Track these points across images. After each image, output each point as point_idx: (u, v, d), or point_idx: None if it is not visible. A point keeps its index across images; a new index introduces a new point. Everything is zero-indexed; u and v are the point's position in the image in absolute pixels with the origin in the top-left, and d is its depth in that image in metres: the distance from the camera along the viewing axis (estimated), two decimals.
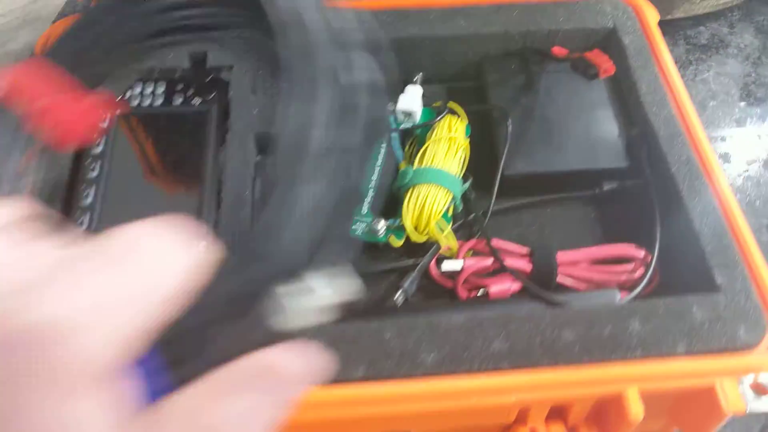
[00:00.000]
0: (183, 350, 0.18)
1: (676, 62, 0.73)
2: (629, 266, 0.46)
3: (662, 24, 0.74)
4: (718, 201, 0.46)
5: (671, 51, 0.74)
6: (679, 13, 0.73)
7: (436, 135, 0.51)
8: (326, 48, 0.22)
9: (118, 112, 0.50)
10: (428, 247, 0.48)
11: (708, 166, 0.47)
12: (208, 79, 0.50)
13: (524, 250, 0.47)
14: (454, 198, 0.49)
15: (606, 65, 0.50)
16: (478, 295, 0.46)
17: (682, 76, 0.72)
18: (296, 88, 0.21)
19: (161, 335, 0.17)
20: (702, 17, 0.75)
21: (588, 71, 0.51)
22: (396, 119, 0.55)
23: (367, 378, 0.39)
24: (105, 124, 0.49)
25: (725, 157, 0.65)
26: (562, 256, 0.47)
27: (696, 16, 0.75)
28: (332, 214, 0.20)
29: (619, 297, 0.44)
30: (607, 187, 0.50)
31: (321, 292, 0.19)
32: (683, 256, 0.46)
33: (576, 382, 0.39)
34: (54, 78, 0.28)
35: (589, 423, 0.42)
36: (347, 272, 0.20)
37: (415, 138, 0.54)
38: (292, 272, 0.19)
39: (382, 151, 0.54)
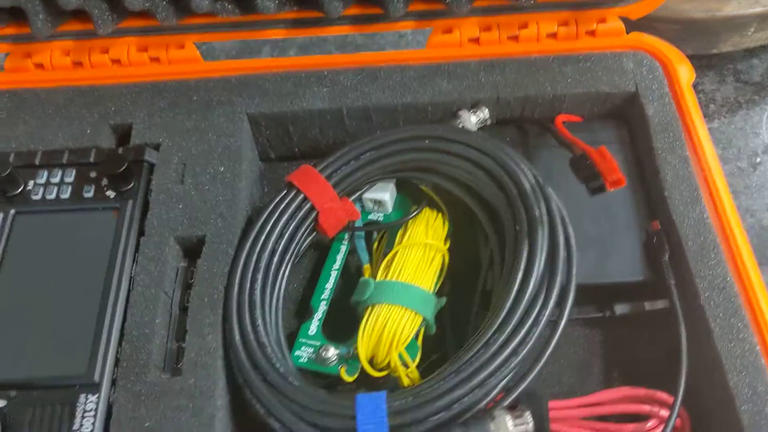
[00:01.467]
0: None
1: (722, 105, 0.61)
2: (644, 425, 0.36)
3: (707, 57, 0.62)
4: (764, 349, 0.35)
5: (717, 90, 0.62)
6: (726, 47, 0.60)
7: (408, 238, 0.41)
8: None
9: (12, 211, 0.41)
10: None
11: (753, 297, 0.36)
12: (121, 169, 0.41)
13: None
14: (424, 320, 0.39)
15: (614, 176, 0.38)
16: None
17: (730, 124, 0.60)
18: None
19: None
20: (756, 49, 0.63)
21: (590, 182, 0.39)
22: (363, 209, 0.45)
23: None
24: None
25: None
26: (556, 407, 0.36)
27: (748, 48, 0.62)
28: None
29: None
30: (619, 311, 0.39)
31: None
32: (714, 423, 0.35)
33: None
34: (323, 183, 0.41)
35: None
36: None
37: (385, 234, 0.44)
38: None
39: (343, 249, 0.44)
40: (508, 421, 0.34)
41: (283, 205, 0.41)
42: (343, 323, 0.41)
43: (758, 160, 0.57)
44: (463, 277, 0.42)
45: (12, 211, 0.41)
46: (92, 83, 0.46)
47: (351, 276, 0.43)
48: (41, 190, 0.42)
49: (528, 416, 0.34)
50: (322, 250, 0.45)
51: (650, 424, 0.36)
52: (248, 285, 0.39)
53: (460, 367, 0.35)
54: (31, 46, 0.47)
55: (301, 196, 0.41)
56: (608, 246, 0.40)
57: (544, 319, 0.36)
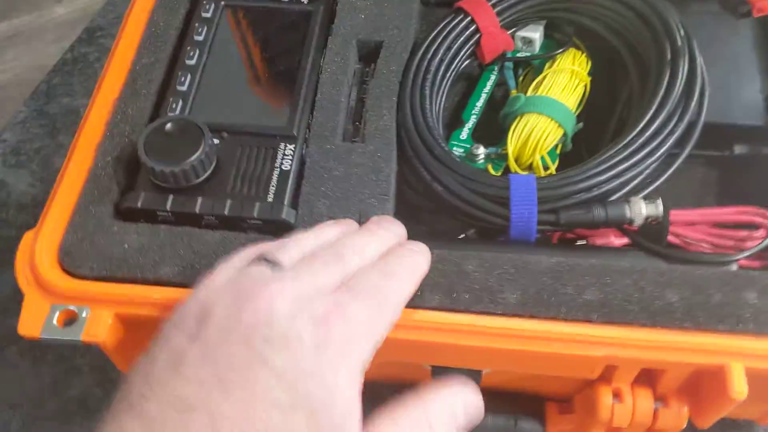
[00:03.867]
0: None
1: None
2: (754, 233, 0.41)
3: None
4: None
5: None
6: None
7: (557, 65, 0.47)
8: None
9: (223, 2, 0.48)
10: None
11: None
12: None
13: None
14: (565, 135, 0.45)
15: (761, 3, 0.43)
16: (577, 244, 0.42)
17: None
18: None
19: None
20: None
21: (738, 8, 0.44)
22: (514, 46, 0.50)
23: (441, 308, 0.37)
24: (209, 15, 0.47)
25: None
26: (676, 214, 0.42)
27: None
28: None
29: (737, 265, 0.39)
30: (738, 150, 0.45)
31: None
32: None
33: (674, 346, 0.35)
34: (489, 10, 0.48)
35: (681, 394, 0.38)
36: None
37: (530, 68, 0.50)
38: None
39: (493, 78, 0.50)
40: (642, 204, 0.40)
41: (451, 25, 0.47)
42: (489, 135, 0.47)
43: None
44: (599, 111, 0.47)
45: (222, 3, 0.48)
46: None
47: (496, 102, 0.49)
48: None
49: (659, 203, 0.40)
50: (469, 82, 0.51)
51: (759, 233, 0.41)
52: (420, 82, 0.45)
53: (601, 161, 0.41)
54: None
55: (468, 19, 0.47)
56: (733, 93, 0.45)
57: (679, 130, 0.41)
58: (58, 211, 0.39)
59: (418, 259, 0.35)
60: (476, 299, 0.36)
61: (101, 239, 0.39)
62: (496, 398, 0.43)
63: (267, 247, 0.32)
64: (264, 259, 0.30)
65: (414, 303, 0.36)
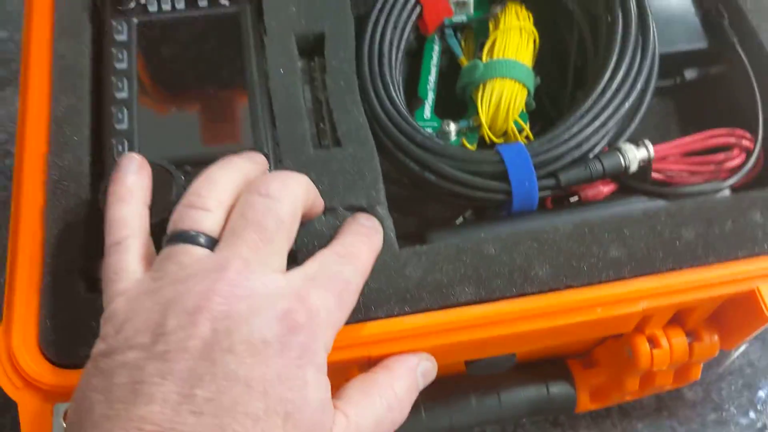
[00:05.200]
0: None
1: None
2: (729, 154, 0.42)
3: None
4: None
5: None
6: None
7: (504, 24, 0.45)
8: None
9: (135, 20, 0.42)
10: None
11: None
12: None
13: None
14: (529, 94, 0.44)
15: None
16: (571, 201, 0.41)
17: None
18: None
19: None
20: None
21: None
22: None
23: (476, 301, 0.35)
24: (125, 37, 0.41)
25: None
26: (656, 149, 0.42)
27: None
28: None
29: (728, 190, 0.40)
30: (689, 75, 0.46)
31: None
32: None
33: (705, 283, 0.36)
34: None
35: (710, 325, 0.39)
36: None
37: (469, 33, 0.48)
38: None
39: (436, 48, 0.48)
40: (634, 149, 0.40)
41: (391, 1, 0.44)
42: (449, 108, 0.46)
43: None
44: (551, 61, 0.47)
45: (135, 20, 0.42)
46: None
47: (444, 74, 0.47)
48: (155, 3, 0.43)
49: (648, 144, 0.40)
50: (410, 58, 0.48)
51: (735, 152, 0.42)
52: (377, 68, 0.42)
53: (582, 114, 0.40)
54: None
55: None
56: (668, 19, 0.46)
57: (647, 65, 0.41)
58: (23, 297, 0.34)
59: (374, 239, 0.33)
60: (509, 283, 0.35)
61: (84, 317, 0.34)
62: (521, 370, 0.43)
63: (179, 212, 0.29)
64: (187, 234, 0.28)
65: (446, 302, 0.35)
